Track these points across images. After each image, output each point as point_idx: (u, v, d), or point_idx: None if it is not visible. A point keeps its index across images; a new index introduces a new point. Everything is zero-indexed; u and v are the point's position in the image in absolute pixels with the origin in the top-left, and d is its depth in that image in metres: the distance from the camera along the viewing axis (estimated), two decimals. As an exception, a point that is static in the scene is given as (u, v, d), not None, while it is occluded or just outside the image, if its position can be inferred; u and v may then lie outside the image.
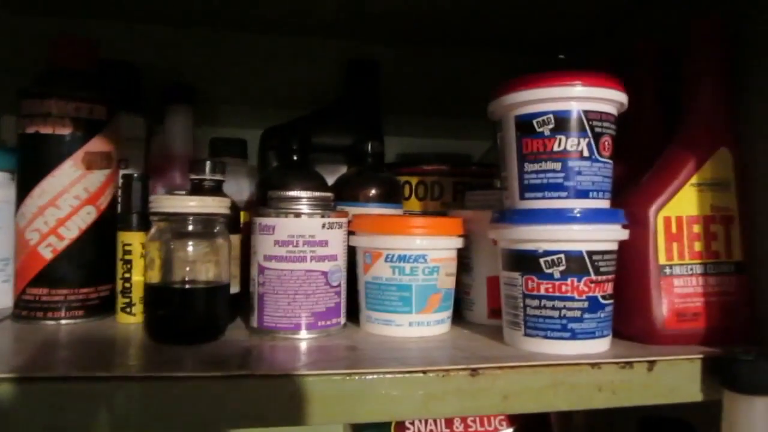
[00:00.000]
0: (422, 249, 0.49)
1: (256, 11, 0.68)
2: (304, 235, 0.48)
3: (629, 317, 0.47)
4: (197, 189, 0.52)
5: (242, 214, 0.56)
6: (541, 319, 0.44)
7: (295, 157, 0.60)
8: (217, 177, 0.53)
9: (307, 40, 0.77)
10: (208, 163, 0.52)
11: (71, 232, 0.51)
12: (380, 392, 0.37)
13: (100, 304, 0.53)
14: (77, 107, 0.51)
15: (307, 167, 0.60)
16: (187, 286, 0.45)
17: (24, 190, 0.51)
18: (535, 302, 0.44)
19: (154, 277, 0.46)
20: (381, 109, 0.72)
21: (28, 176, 0.51)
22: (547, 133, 0.44)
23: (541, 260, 0.43)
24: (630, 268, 0.47)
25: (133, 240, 0.52)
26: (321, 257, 0.48)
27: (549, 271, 0.43)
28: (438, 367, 0.38)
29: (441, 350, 0.45)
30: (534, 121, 0.44)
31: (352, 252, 0.52)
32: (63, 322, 0.51)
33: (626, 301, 0.47)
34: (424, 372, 0.38)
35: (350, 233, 0.52)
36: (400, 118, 0.75)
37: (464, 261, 0.56)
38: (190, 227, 0.45)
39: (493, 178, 0.67)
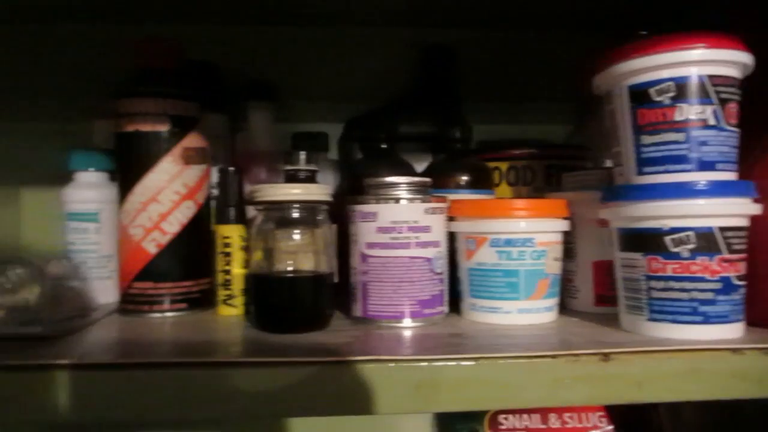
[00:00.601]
0: (529, 232, 0.47)
1: (328, 4, 0.68)
2: (408, 221, 0.46)
3: (758, 300, 0.44)
4: (291, 180, 0.52)
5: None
6: (669, 303, 0.41)
7: (383, 146, 0.59)
8: (312, 167, 0.52)
9: (380, 29, 0.76)
10: (302, 153, 0.52)
11: (173, 226, 0.52)
12: (507, 378, 0.36)
13: (201, 297, 0.53)
14: (173, 104, 0.52)
15: (396, 156, 0.59)
16: (293, 275, 0.45)
17: (126, 187, 0.52)
18: (661, 284, 0.41)
19: (259, 266, 0.46)
20: (460, 95, 0.70)
21: (130, 174, 0.52)
22: (666, 101, 0.41)
23: (667, 238, 0.41)
24: (759, 245, 0.43)
25: (231, 233, 0.52)
26: (424, 243, 0.47)
27: (676, 249, 0.40)
28: (568, 351, 0.36)
29: (557, 336, 0.43)
30: (651, 90, 0.41)
31: (449, 239, 0.50)
32: (168, 314, 0.51)
33: (755, 283, 0.43)
34: (553, 356, 0.36)
35: (449, 219, 0.50)
36: (476, 105, 0.73)
37: (566, 246, 0.53)
38: (295, 215, 0.45)
39: (586, 159, 0.64)
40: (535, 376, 0.36)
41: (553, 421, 0.66)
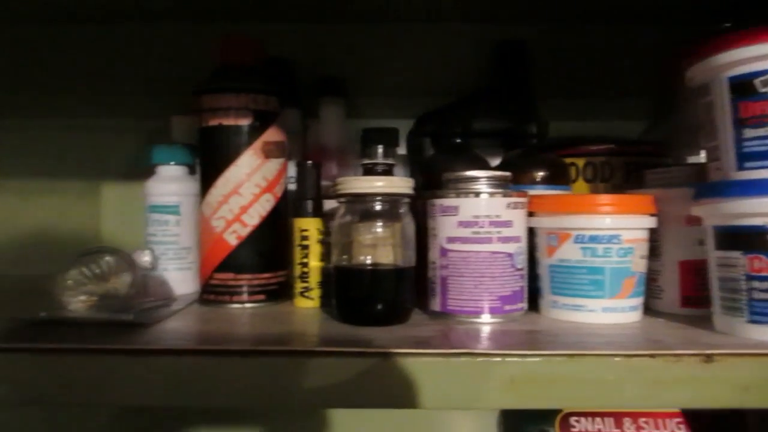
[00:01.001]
0: (615, 228, 0.46)
1: (399, 1, 0.68)
2: (490, 216, 0.46)
3: None
4: (369, 174, 0.52)
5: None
6: (771, 303, 0.39)
7: (458, 141, 0.58)
8: (389, 161, 0.52)
9: (451, 25, 0.76)
10: (380, 147, 0.52)
11: (253, 219, 0.52)
12: (603, 377, 0.34)
13: (278, 290, 0.54)
14: (255, 99, 0.53)
15: (471, 151, 0.59)
16: (376, 268, 0.45)
17: (208, 180, 0.53)
18: (765, 285, 0.39)
19: (341, 259, 0.46)
20: (533, 91, 0.69)
21: (212, 167, 0.53)
22: (772, 93, 0.39)
23: (771, 236, 0.39)
24: None
25: (309, 226, 0.52)
26: (506, 238, 0.46)
27: (781, 248, 0.38)
28: (668, 351, 0.35)
29: (648, 337, 0.41)
30: (756, 81, 0.39)
31: (531, 235, 0.50)
32: (247, 305, 0.52)
33: None
34: (652, 356, 0.35)
35: (529, 215, 0.49)
36: (549, 101, 0.72)
37: (652, 245, 0.51)
38: (378, 207, 0.45)
39: (664, 156, 0.62)
40: (634, 376, 0.35)
41: (628, 426, 0.64)
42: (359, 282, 0.45)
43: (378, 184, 0.45)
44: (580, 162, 0.61)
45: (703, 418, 0.64)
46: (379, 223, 0.45)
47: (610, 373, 0.34)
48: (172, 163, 0.60)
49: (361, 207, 0.45)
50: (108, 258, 0.48)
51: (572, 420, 0.65)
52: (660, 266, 0.51)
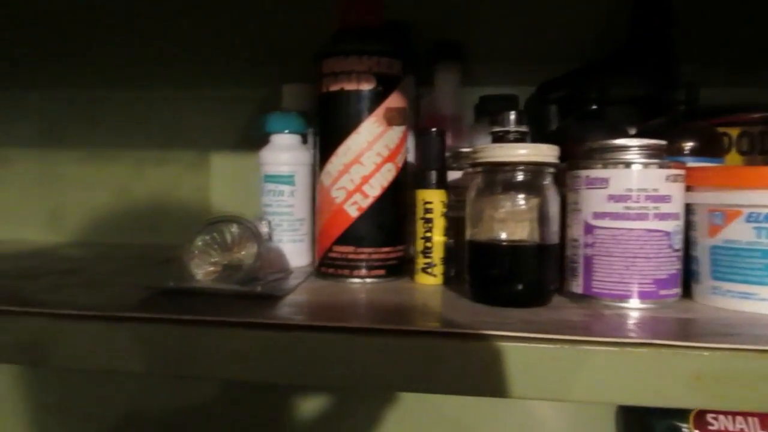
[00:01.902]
0: (800, 206, 0.39)
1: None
2: (647, 189, 0.41)
3: None
4: (500, 142, 0.48)
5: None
6: None
7: (593, 107, 0.53)
8: (522, 128, 0.48)
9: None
10: (512, 114, 0.48)
11: (374, 190, 0.50)
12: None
13: (398, 265, 0.52)
14: (378, 62, 0.50)
15: (608, 118, 0.53)
16: (518, 244, 0.41)
17: (328, 148, 0.51)
18: None
19: (477, 233, 0.42)
20: (676, 53, 0.61)
21: (333, 134, 0.51)
22: None
23: None
24: None
25: (433, 198, 0.49)
26: (664, 215, 0.41)
27: None
28: None
29: None
30: None
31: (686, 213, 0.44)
32: (367, 280, 0.50)
33: None
34: None
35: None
36: (695, 66, 0.64)
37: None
38: (520, 178, 0.41)
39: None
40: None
41: (776, 427, 0.58)
42: (499, 259, 0.41)
43: (521, 152, 0.41)
44: (734, 132, 0.55)
45: None
46: (521, 195, 0.41)
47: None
48: (286, 131, 0.58)
49: (501, 177, 0.41)
50: (234, 228, 0.47)
51: (709, 417, 0.59)
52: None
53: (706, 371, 0.30)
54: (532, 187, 0.41)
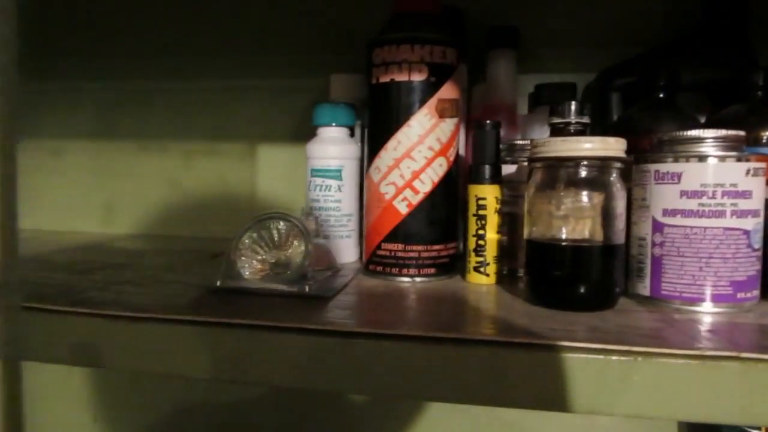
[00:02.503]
0: None
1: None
2: (724, 184, 0.37)
3: None
4: (559, 135, 0.45)
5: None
6: None
7: (661, 95, 0.49)
8: (584, 119, 0.45)
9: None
10: (573, 104, 0.45)
11: (425, 185, 0.48)
12: None
13: (449, 263, 0.50)
14: (431, 51, 0.47)
15: (678, 108, 0.50)
16: (583, 244, 0.38)
17: (378, 142, 0.49)
18: None
19: (537, 232, 0.40)
20: (750, 35, 0.57)
21: (383, 127, 0.49)
22: None
23: None
24: None
25: (487, 193, 0.47)
26: (743, 212, 0.38)
27: None
28: None
29: None
30: None
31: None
32: (417, 279, 0.48)
33: None
34: None
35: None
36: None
37: None
38: (584, 174, 0.38)
39: None
40: None
41: None
42: (560, 259, 0.39)
43: (586, 146, 0.38)
44: (820, 118, 0.50)
45: None
46: (585, 192, 0.38)
47: None
48: (334, 124, 0.57)
49: (563, 173, 0.39)
50: (281, 225, 0.46)
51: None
52: None
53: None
54: (596, 183, 0.39)
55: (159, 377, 0.79)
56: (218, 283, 0.43)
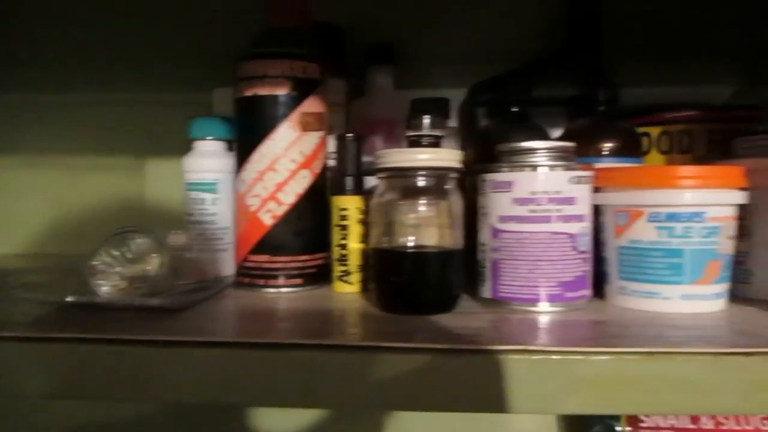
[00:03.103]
0: (699, 205, 0.39)
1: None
2: (549, 192, 0.40)
3: None
4: (415, 146, 0.47)
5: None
6: None
7: (514, 109, 0.53)
8: (437, 133, 0.47)
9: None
10: (426, 118, 0.47)
11: (289, 197, 0.49)
12: (687, 379, 0.29)
13: (317, 273, 0.51)
14: (292, 66, 0.49)
15: (530, 120, 0.53)
16: (419, 250, 0.40)
17: (243, 155, 0.50)
18: None
19: (380, 240, 0.42)
20: (604, 56, 0.61)
21: (247, 141, 0.50)
22: None
23: None
24: None
25: (348, 204, 0.48)
26: (567, 217, 0.41)
27: None
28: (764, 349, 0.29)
29: (738, 328, 0.35)
30: None
31: (596, 214, 0.44)
32: (283, 290, 0.49)
33: None
34: (746, 354, 0.29)
35: (594, 191, 0.43)
36: (625, 64, 0.64)
37: (739, 223, 0.45)
38: (422, 183, 0.40)
39: (759, 122, 0.54)
40: (725, 378, 0.29)
41: (705, 421, 0.58)
42: (400, 266, 0.40)
43: (422, 157, 0.40)
44: (655, 131, 0.54)
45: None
46: (423, 201, 0.40)
47: (695, 375, 0.29)
48: (210, 137, 0.57)
49: (403, 183, 0.41)
50: (138, 239, 0.45)
51: (642, 415, 0.59)
52: (749, 247, 0.45)
53: (584, 377, 0.29)
54: (434, 192, 0.41)
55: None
56: (68, 299, 0.42)
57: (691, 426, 0.58)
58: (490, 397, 0.30)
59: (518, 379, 0.30)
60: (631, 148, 0.51)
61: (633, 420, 0.59)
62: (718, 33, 0.66)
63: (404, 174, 0.40)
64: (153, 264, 0.44)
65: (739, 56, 0.66)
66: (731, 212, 0.41)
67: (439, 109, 0.64)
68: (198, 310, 0.42)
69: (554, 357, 0.30)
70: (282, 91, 0.48)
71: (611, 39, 0.62)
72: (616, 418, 0.60)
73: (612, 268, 0.43)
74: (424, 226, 0.41)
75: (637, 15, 0.66)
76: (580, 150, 0.50)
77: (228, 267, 0.57)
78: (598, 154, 0.51)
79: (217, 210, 0.56)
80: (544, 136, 0.52)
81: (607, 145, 0.50)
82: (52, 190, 0.77)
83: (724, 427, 0.58)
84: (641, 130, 0.55)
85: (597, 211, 0.44)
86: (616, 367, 0.29)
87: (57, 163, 0.77)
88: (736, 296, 0.45)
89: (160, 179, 0.75)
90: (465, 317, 0.39)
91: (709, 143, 0.53)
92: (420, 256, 0.40)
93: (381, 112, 0.64)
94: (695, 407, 0.29)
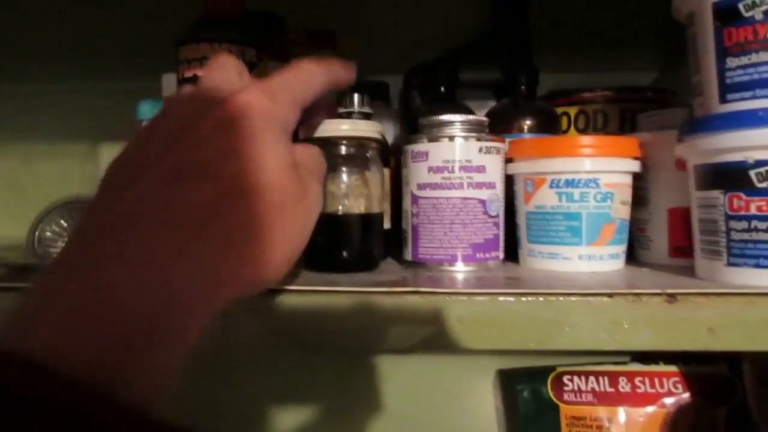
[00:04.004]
0: (593, 172, 0.43)
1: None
2: (460, 160, 0.44)
3: None
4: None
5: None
6: (751, 245, 0.36)
7: (442, 90, 0.56)
8: (365, 110, 0.50)
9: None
10: (356, 95, 0.50)
11: (228, 170, 0.52)
12: (556, 317, 0.33)
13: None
14: (230, 50, 0.52)
15: (456, 101, 0.57)
16: (343, 213, 0.44)
17: (185, 132, 0.53)
18: (743, 224, 0.36)
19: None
20: (531, 42, 0.65)
21: (188, 118, 0.52)
22: (759, 17, 0.36)
23: (752, 172, 0.36)
24: None
25: (285, 177, 0.51)
26: (478, 184, 0.44)
27: (762, 185, 0.36)
28: (627, 290, 0.33)
29: (620, 282, 0.39)
30: (740, 5, 0.36)
31: (510, 183, 0.48)
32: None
33: None
34: (609, 295, 0.33)
35: (508, 162, 0.47)
36: (553, 52, 0.68)
37: (639, 192, 0.49)
38: (342, 151, 0.44)
39: (669, 104, 0.59)
40: (590, 317, 0.33)
41: (623, 384, 0.62)
42: (321, 228, 0.43)
43: (343, 128, 0.43)
44: (573, 111, 0.59)
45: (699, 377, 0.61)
46: (344, 169, 0.44)
47: (563, 314, 0.33)
48: (156, 119, 0.60)
49: (328, 152, 0.44)
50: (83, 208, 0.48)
51: (565, 378, 0.63)
52: (648, 215, 0.49)
53: (465, 316, 0.33)
54: (355, 160, 0.44)
55: None
56: (19, 262, 0.45)
57: (610, 389, 0.63)
58: (380, 335, 0.33)
59: (413, 319, 0.33)
60: (548, 126, 0.55)
61: (557, 383, 0.64)
62: (642, 20, 0.70)
63: (328, 143, 0.44)
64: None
65: (659, 42, 0.71)
66: (624, 179, 0.45)
67: (379, 93, 0.68)
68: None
69: (440, 297, 0.33)
70: (221, 72, 0.51)
71: (538, 25, 0.66)
72: (542, 381, 0.64)
73: (522, 232, 0.47)
74: (348, 193, 0.44)
75: (563, 1, 0.70)
76: (502, 128, 0.55)
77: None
78: (518, 132, 0.55)
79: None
80: (468, 113, 0.55)
81: (526, 123, 0.54)
82: (6, 177, 0.79)
83: (639, 390, 0.62)
84: (561, 110, 0.59)
85: (512, 180, 0.48)
86: (492, 307, 0.33)
87: (11, 150, 0.79)
88: (640, 261, 0.50)
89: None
90: (382, 275, 0.43)
91: (622, 121, 0.57)
92: (338, 218, 0.44)
93: (322, 98, 0.67)
94: (562, 343, 0.33)
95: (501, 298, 0.33)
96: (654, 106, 0.57)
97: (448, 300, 0.33)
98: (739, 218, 0.37)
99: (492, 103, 0.63)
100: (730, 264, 0.37)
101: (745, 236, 0.36)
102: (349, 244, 0.44)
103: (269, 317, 0.34)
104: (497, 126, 0.55)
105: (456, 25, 0.70)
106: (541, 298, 0.33)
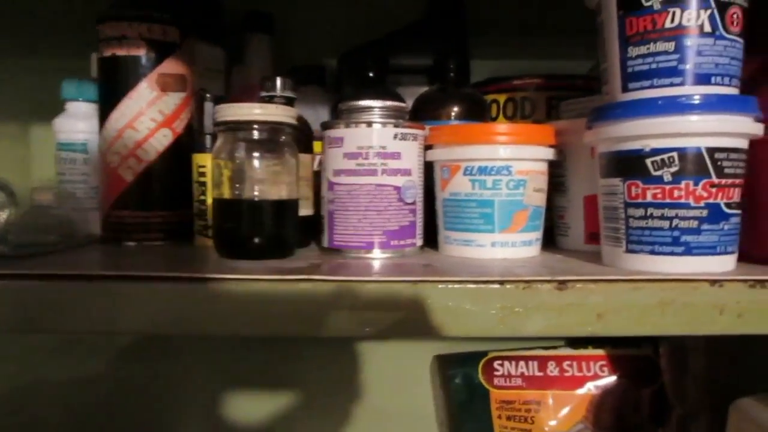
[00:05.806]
0: (506, 159, 0.43)
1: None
2: (375, 146, 0.44)
3: (762, 236, 0.39)
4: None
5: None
6: (647, 232, 0.37)
7: (371, 75, 0.56)
8: (288, 94, 0.50)
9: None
10: (278, 79, 0.50)
11: (149, 154, 0.51)
12: (449, 304, 0.33)
13: (179, 228, 0.53)
14: (149, 28, 0.50)
15: (384, 86, 0.56)
16: (255, 199, 0.43)
17: (104, 114, 0.51)
18: (640, 212, 0.37)
19: (221, 191, 0.44)
20: (466, 29, 0.65)
21: (108, 100, 0.51)
22: (657, 6, 0.36)
23: (648, 160, 0.36)
24: (760, 172, 0.38)
25: (207, 162, 0.51)
26: (393, 171, 0.44)
27: (658, 173, 0.36)
28: (517, 278, 0.33)
29: (525, 269, 0.40)
30: (640, -6, 0.37)
31: (430, 171, 0.48)
32: (145, 243, 0.51)
33: (759, 217, 0.39)
34: (500, 283, 0.33)
35: (427, 148, 0.47)
36: (488, 40, 0.68)
37: (558, 180, 0.49)
38: (255, 135, 0.43)
39: (593, 91, 0.59)
40: (482, 304, 0.33)
41: (552, 369, 0.64)
42: (233, 214, 0.43)
43: (256, 112, 0.43)
44: (502, 98, 0.59)
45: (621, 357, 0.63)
46: (256, 153, 0.43)
47: (459, 300, 0.33)
48: (81, 99, 0.58)
49: (239, 136, 0.43)
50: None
51: (496, 364, 0.64)
52: (567, 202, 0.49)
53: (359, 302, 0.33)
54: (268, 145, 0.43)
55: None
56: None
57: (539, 373, 0.64)
58: (275, 322, 0.33)
59: (308, 306, 0.33)
60: (476, 113, 0.55)
61: (488, 368, 0.65)
62: (580, 7, 0.71)
63: (239, 128, 0.43)
64: (1, 216, 0.46)
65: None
66: (538, 167, 0.45)
67: (314, 77, 0.67)
68: (46, 259, 0.44)
69: (333, 284, 0.33)
70: (139, 52, 0.50)
71: (478, 13, 0.66)
72: (474, 367, 0.65)
73: (440, 219, 0.47)
74: (264, 179, 0.44)
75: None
76: (431, 114, 0.55)
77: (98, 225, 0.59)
78: (447, 119, 0.54)
79: (88, 170, 0.58)
80: (395, 99, 0.55)
81: (454, 110, 0.54)
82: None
83: (567, 374, 0.64)
84: (491, 97, 0.59)
85: (431, 167, 0.48)
86: (387, 293, 0.33)
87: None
88: (559, 247, 0.51)
89: (45, 146, 0.75)
90: (294, 261, 0.42)
91: (548, 109, 0.57)
92: (251, 203, 0.43)
93: (258, 80, 0.66)
94: (456, 330, 0.33)
95: (395, 286, 0.33)
96: (583, 94, 0.58)
97: (340, 287, 0.33)
98: (637, 206, 0.37)
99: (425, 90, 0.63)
100: (629, 251, 0.38)
101: (642, 223, 0.37)
102: (260, 230, 0.43)
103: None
104: (426, 112, 0.55)
105: (393, 10, 0.70)
106: (434, 286, 0.33)
